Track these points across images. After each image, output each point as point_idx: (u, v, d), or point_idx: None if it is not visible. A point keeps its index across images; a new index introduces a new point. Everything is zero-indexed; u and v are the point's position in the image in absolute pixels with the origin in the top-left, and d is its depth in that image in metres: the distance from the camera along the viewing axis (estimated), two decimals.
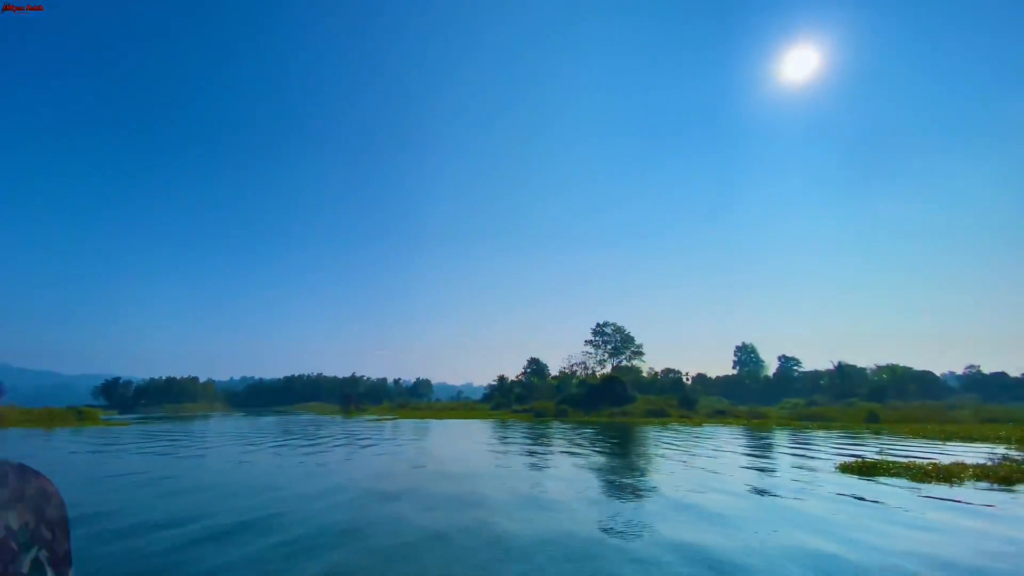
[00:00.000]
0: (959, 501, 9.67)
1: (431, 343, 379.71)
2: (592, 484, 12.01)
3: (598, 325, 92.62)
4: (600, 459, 17.14)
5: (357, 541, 6.98)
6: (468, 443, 24.11)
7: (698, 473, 13.72)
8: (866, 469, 13.64)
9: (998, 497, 10.04)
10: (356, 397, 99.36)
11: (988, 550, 6.54)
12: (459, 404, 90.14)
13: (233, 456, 18.05)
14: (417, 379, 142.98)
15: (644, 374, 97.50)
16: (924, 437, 25.39)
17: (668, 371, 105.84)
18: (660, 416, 47.64)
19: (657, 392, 78.27)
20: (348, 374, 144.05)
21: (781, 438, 26.25)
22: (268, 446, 21.94)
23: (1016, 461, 13.81)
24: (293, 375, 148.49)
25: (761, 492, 10.83)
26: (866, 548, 6.58)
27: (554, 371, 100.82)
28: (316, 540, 7.02)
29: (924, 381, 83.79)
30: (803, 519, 8.30)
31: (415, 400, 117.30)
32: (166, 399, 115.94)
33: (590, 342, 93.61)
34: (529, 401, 70.30)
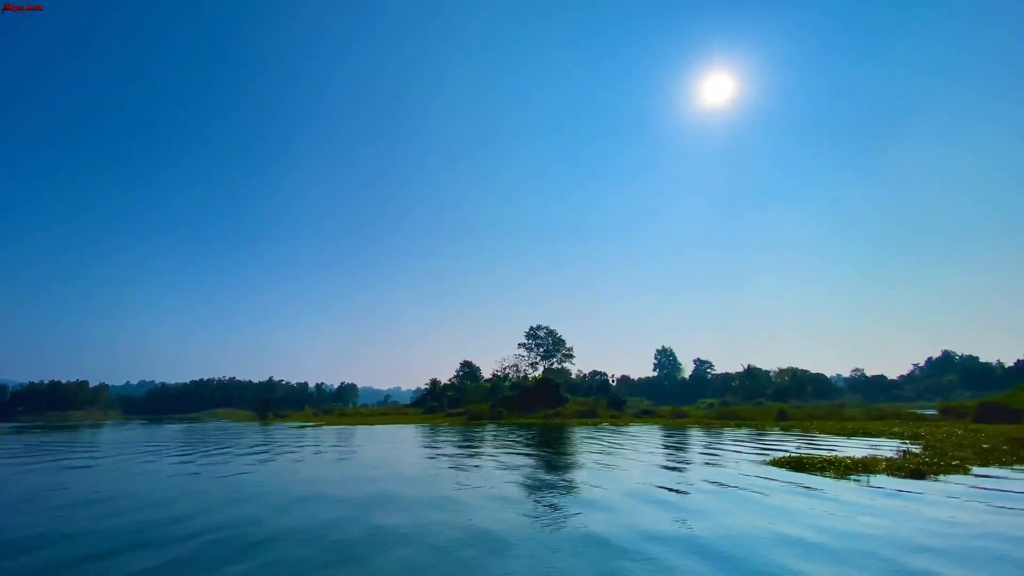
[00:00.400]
0: (902, 491, 10.72)
1: (356, 347, 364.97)
2: (523, 482, 12.02)
3: (531, 328, 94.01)
4: (538, 459, 17.25)
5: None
6: (396, 447, 23.42)
7: (652, 469, 14.21)
8: (795, 464, 14.80)
9: (921, 486, 11.25)
10: (274, 403, 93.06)
11: (932, 530, 7.30)
12: (389, 409, 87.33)
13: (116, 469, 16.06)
14: (342, 384, 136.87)
15: (573, 376, 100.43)
16: (829, 433, 28.12)
17: (595, 373, 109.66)
18: (592, 417, 49.11)
19: (585, 393, 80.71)
20: (264, 378, 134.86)
21: (709, 436, 27.94)
22: (173, 457, 19.80)
23: (916, 455, 15.58)
24: (201, 379, 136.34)
25: (718, 484, 11.42)
26: (835, 532, 7.09)
27: (487, 374, 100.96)
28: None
29: (818, 383, 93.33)
30: (766, 508, 8.83)
31: (340, 405, 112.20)
32: (50, 406, 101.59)
33: (523, 345, 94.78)
34: (463, 404, 69.66)
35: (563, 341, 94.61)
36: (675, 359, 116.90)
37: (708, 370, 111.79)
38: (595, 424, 42.39)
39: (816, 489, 10.98)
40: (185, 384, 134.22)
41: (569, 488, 11.80)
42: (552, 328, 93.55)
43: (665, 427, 37.29)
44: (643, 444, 23.21)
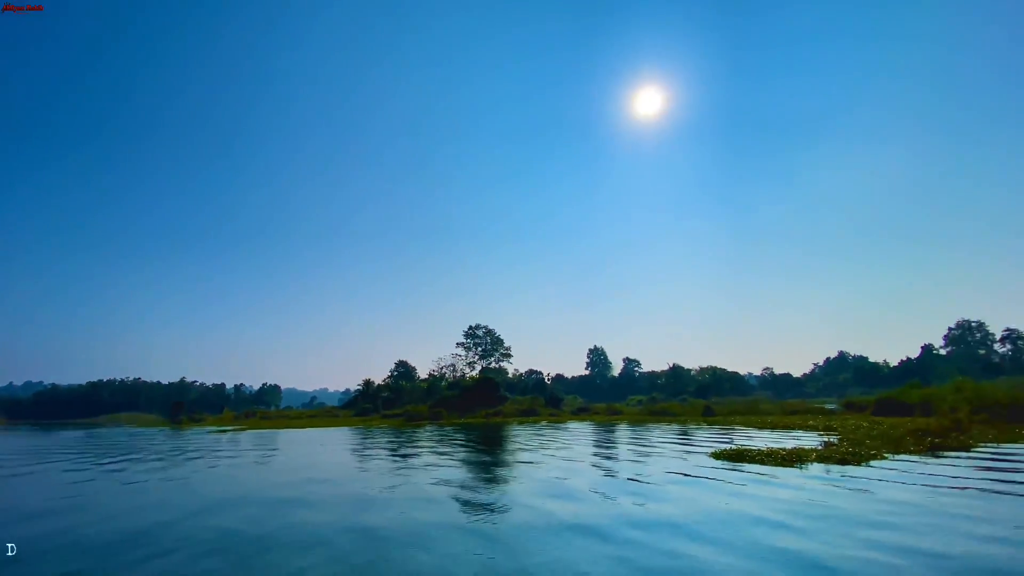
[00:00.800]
0: (846, 476, 11.66)
1: (278, 347, 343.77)
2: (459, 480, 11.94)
3: (470, 327, 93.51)
4: (500, 457, 17.16)
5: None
6: (324, 451, 22.41)
7: (610, 463, 14.55)
8: (736, 456, 15.79)
9: (856, 471, 12.34)
10: (188, 405, 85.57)
11: (887, 509, 8.01)
12: (318, 411, 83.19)
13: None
14: (264, 385, 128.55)
15: (510, 375, 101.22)
16: (752, 427, 30.31)
17: (532, 372, 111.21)
18: (532, 415, 49.67)
19: (522, 392, 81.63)
20: (175, 379, 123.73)
21: (648, 431, 29.15)
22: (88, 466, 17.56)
23: (838, 445, 17.12)
24: (100, 380, 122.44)
25: (682, 474, 11.86)
26: (810, 514, 7.57)
27: (423, 374, 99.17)
28: None
29: (734, 380, 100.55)
30: (736, 495, 9.29)
31: (262, 408, 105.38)
32: None
33: (462, 344, 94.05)
34: (399, 405, 67.87)
35: (501, 340, 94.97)
36: (606, 358, 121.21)
37: (636, 368, 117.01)
38: (534, 422, 42.89)
39: (770, 477, 11.75)
40: (80, 386, 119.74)
41: (543, 482, 11.79)
42: (491, 327, 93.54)
43: (604, 424, 38.49)
44: (592, 441, 23.75)
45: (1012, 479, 10.94)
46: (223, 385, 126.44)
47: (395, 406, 68.00)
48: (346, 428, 43.02)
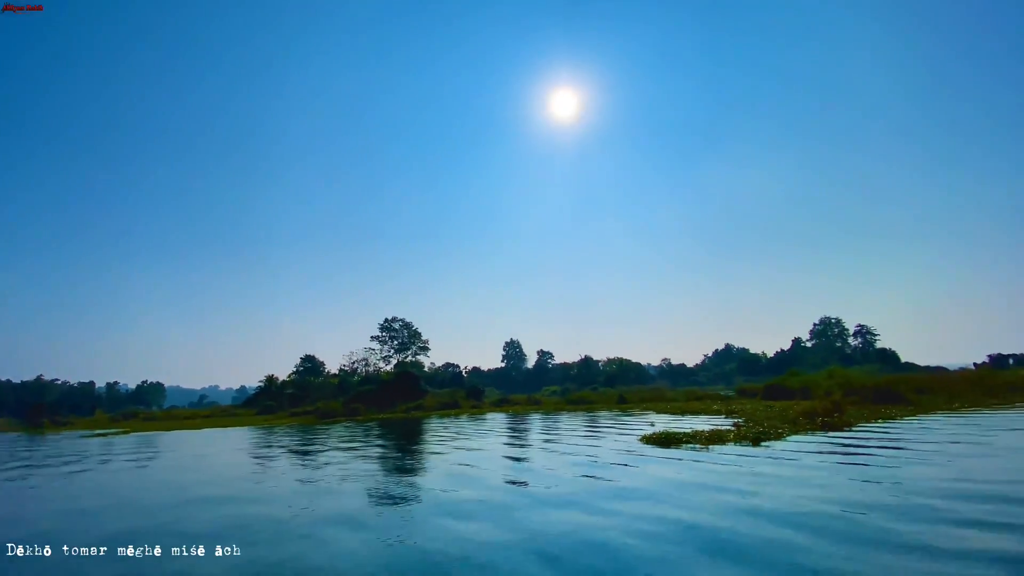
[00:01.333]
0: (771, 451, 12.98)
1: (157, 339, 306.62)
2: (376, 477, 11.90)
3: (386, 320, 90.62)
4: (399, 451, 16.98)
5: None
6: (223, 455, 20.62)
7: (552, 451, 14.99)
8: (663, 440, 17.02)
9: (775, 449, 13.84)
10: (50, 407, 73.73)
11: (804, 474, 9.11)
12: (212, 410, 75.92)
13: None
14: (143, 382, 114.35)
15: (426, 369, 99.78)
16: (663, 412, 32.76)
17: (448, 365, 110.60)
18: (453, 408, 49.47)
19: (439, 386, 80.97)
20: (30, 377, 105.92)
21: (573, 419, 30.34)
22: None
23: (745, 426, 19.10)
24: None
25: (627, 453, 12.56)
26: (737, 490, 8.40)
27: (332, 368, 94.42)
28: None
29: (638, 370, 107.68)
30: (687, 470, 10.04)
31: (142, 408, 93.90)
32: None
33: (376, 338, 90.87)
34: (307, 402, 63.98)
35: (419, 334, 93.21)
36: (521, 351, 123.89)
37: (549, 360, 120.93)
38: (457, 415, 42.80)
39: (709, 459, 12.82)
40: None
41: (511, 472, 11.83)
42: (408, 320, 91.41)
43: (529, 414, 39.40)
44: (527, 430, 24.21)
45: (904, 447, 13.02)
46: (92, 384, 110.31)
47: (303, 403, 64.04)
48: (246, 428, 39.76)
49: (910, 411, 22.48)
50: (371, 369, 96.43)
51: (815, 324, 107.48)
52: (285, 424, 42.78)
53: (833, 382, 30.92)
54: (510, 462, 14.41)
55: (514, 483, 10.79)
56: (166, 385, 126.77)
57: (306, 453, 19.30)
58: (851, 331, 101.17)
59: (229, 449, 22.19)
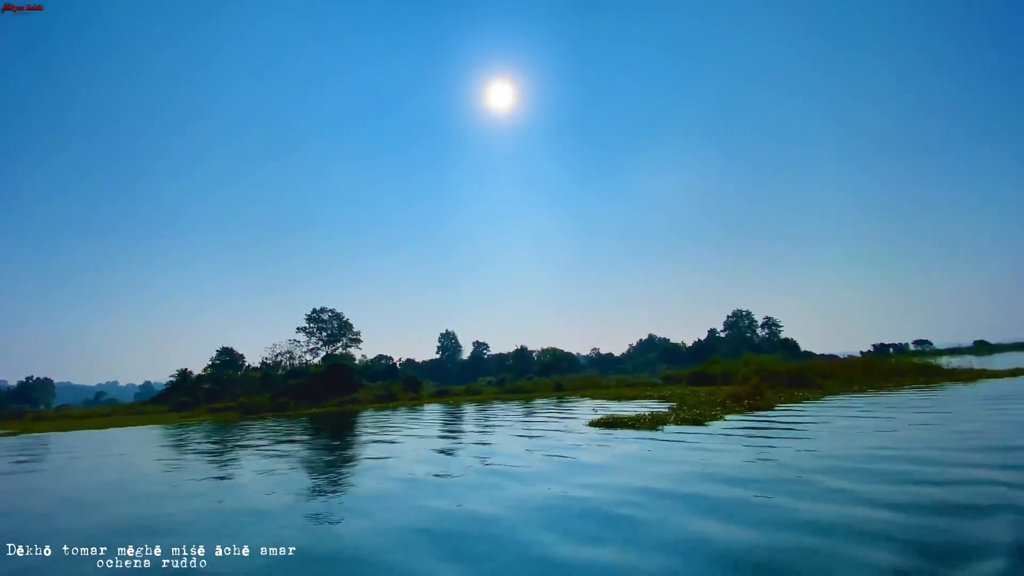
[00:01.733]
0: (705, 435, 14.10)
1: (44, 332, 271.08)
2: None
3: (314, 311, 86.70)
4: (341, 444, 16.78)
5: None
6: (129, 458, 19.09)
7: (509, 439, 15.37)
8: (610, 423, 17.99)
9: (717, 427, 15.08)
10: None
11: (747, 445, 10.14)
12: (115, 407, 68.84)
13: None
14: (29, 378, 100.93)
15: (357, 361, 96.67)
16: (600, 399, 34.32)
17: (381, 357, 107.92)
18: (391, 400, 48.53)
19: (372, 379, 78.88)
20: None
21: (517, 408, 30.97)
22: None
23: (681, 410, 20.59)
24: None
25: (580, 444, 13.18)
26: (690, 467, 9.24)
27: (253, 362, 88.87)
28: None
29: (570, 360, 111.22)
30: (646, 451, 10.77)
31: (26, 406, 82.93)
32: None
33: (303, 329, 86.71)
34: (228, 397, 59.84)
35: (349, 325, 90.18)
36: (456, 342, 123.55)
37: (485, 351, 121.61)
38: (395, 407, 42.10)
39: (660, 437, 13.76)
40: None
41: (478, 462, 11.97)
42: (338, 311, 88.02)
43: (472, 404, 39.58)
44: (474, 420, 24.40)
45: (827, 421, 14.74)
46: None
47: (222, 398, 59.85)
48: (163, 427, 36.62)
49: (819, 394, 25.38)
50: (296, 362, 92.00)
51: (728, 316, 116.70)
52: (206, 421, 39.83)
53: (749, 368, 34.01)
54: (478, 447, 14.64)
55: (489, 464, 11.12)
56: (56, 381, 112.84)
57: (258, 447, 18.32)
58: (759, 322, 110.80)
59: (155, 449, 20.51)
